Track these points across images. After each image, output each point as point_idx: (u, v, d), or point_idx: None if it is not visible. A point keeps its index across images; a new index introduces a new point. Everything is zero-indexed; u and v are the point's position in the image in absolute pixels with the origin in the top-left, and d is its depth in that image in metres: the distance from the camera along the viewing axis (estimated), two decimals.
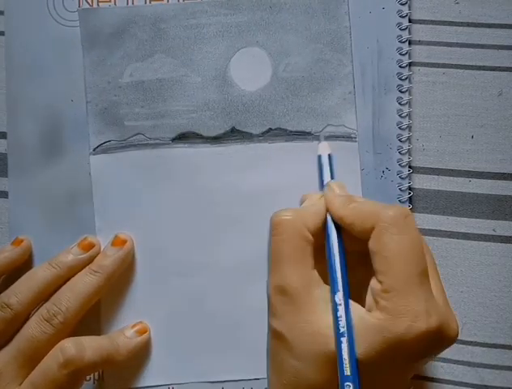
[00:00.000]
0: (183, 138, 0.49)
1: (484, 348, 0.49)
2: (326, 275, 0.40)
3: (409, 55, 0.49)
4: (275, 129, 0.49)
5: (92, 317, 0.49)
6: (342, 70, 0.49)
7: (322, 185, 0.44)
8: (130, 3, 0.49)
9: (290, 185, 0.48)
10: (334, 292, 0.38)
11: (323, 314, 0.38)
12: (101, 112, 0.49)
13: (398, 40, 0.49)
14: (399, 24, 0.49)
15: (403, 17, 0.48)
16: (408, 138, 0.49)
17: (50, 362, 0.44)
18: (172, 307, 0.49)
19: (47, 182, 0.50)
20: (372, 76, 0.49)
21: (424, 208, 0.49)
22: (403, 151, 0.49)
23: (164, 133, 0.49)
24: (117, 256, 0.48)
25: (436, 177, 0.49)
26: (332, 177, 0.44)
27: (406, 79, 0.49)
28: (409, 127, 0.49)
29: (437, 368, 0.49)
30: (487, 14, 0.49)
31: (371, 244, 0.38)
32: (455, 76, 0.49)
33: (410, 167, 0.49)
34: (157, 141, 0.49)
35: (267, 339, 0.41)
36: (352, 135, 0.49)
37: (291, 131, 0.49)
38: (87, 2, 0.49)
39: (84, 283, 0.46)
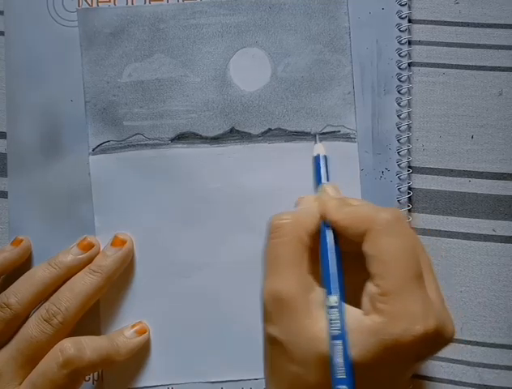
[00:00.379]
0: (182, 138, 0.49)
1: (484, 348, 0.49)
2: (321, 278, 0.40)
3: (409, 55, 0.49)
4: (275, 129, 0.49)
5: (92, 317, 0.49)
6: (341, 70, 0.49)
7: (316, 186, 0.44)
8: (129, 3, 0.49)
9: (289, 185, 0.48)
10: (328, 295, 0.38)
11: (319, 319, 0.38)
12: (100, 112, 0.49)
13: (398, 40, 0.48)
14: (399, 25, 0.48)
15: (403, 18, 0.48)
16: (408, 139, 0.49)
17: (50, 362, 0.44)
18: (171, 307, 0.49)
19: (46, 182, 0.50)
20: (371, 77, 0.49)
21: (424, 208, 0.49)
22: (403, 152, 0.49)
23: (163, 133, 0.49)
24: (116, 256, 0.48)
25: (436, 177, 0.49)
26: (327, 179, 0.44)
27: (405, 80, 0.49)
28: (409, 127, 0.49)
29: (437, 367, 0.49)
30: (487, 14, 0.49)
31: (366, 247, 0.38)
32: (455, 76, 0.49)
33: (410, 167, 0.49)
34: (156, 141, 0.49)
35: (263, 345, 0.41)
36: (352, 136, 0.49)
37: (290, 131, 0.49)
38: (87, 2, 0.49)
39: (84, 283, 0.46)
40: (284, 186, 0.49)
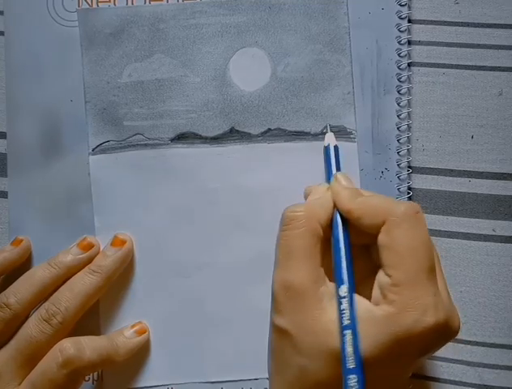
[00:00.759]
0: (182, 138, 0.49)
1: (484, 348, 0.49)
2: (332, 270, 0.40)
3: (409, 55, 0.49)
4: (274, 129, 0.49)
5: (91, 317, 0.49)
6: (341, 70, 0.49)
7: (328, 176, 0.44)
8: (129, 3, 0.49)
9: (289, 185, 0.48)
10: (338, 285, 0.38)
11: (329, 311, 0.38)
12: (100, 112, 0.49)
13: (398, 40, 0.48)
14: (399, 25, 0.48)
15: (403, 18, 0.48)
16: (407, 139, 0.49)
17: (49, 362, 0.44)
18: (171, 307, 0.49)
19: (46, 182, 0.50)
20: (371, 77, 0.49)
21: (424, 208, 0.49)
22: (402, 152, 0.49)
23: (163, 133, 0.49)
24: (116, 256, 0.48)
25: (436, 177, 0.49)
26: (338, 169, 0.44)
27: (405, 80, 0.49)
28: (409, 127, 0.49)
29: (437, 367, 0.49)
30: (487, 14, 0.49)
31: (381, 238, 0.38)
32: (455, 76, 0.49)
33: (410, 167, 0.49)
34: (156, 141, 0.49)
35: (269, 337, 0.41)
36: (351, 136, 0.49)
37: (290, 131, 0.49)
38: (87, 2, 0.49)
39: (83, 283, 0.46)
40: (284, 186, 0.49)
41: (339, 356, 0.36)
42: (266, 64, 0.49)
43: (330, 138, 0.45)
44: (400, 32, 0.48)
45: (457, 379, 0.48)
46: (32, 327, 0.45)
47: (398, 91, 0.49)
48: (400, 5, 0.48)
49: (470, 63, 0.49)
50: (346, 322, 0.37)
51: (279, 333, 0.39)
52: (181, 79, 0.49)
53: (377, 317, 0.37)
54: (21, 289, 0.46)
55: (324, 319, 0.38)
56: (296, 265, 0.39)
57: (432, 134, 0.49)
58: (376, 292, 0.38)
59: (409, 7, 0.49)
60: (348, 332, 0.36)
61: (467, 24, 0.49)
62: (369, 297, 0.39)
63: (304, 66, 0.49)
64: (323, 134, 0.49)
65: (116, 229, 0.49)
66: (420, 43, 0.49)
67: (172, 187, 0.49)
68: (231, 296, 0.49)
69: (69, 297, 0.46)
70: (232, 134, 0.49)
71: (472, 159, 0.49)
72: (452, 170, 0.49)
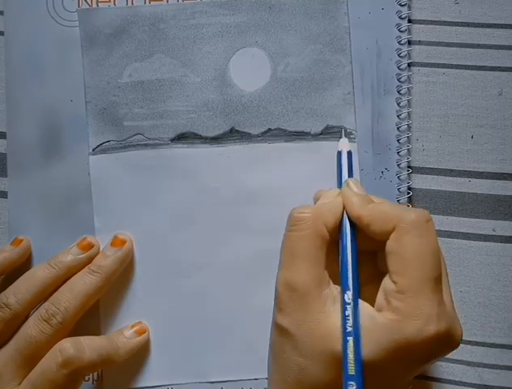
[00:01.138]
0: (182, 138, 0.49)
1: (484, 348, 0.49)
2: (337, 274, 0.40)
3: (409, 55, 0.49)
4: (275, 129, 0.49)
5: (92, 317, 0.49)
6: (341, 70, 0.49)
7: (340, 182, 0.43)
8: (129, 3, 0.49)
9: (289, 185, 0.49)
10: (344, 290, 0.38)
11: (332, 314, 0.38)
12: (101, 112, 0.49)
13: (398, 41, 0.48)
14: (399, 25, 0.48)
15: (403, 18, 0.48)
16: (407, 139, 0.49)
17: (49, 362, 0.44)
18: (171, 307, 0.49)
19: (46, 182, 0.50)
20: (371, 77, 0.49)
21: (424, 208, 0.49)
22: (402, 152, 0.49)
23: (163, 133, 0.49)
24: (116, 256, 0.48)
25: (436, 177, 0.49)
26: (351, 175, 0.43)
27: (405, 80, 0.49)
28: (409, 127, 0.49)
29: (437, 367, 0.49)
30: (487, 14, 0.49)
31: (389, 244, 0.38)
32: (455, 76, 0.49)
33: (410, 167, 0.49)
34: (156, 141, 0.49)
35: (271, 336, 0.41)
36: (351, 136, 0.49)
37: (290, 132, 0.49)
38: (87, 2, 0.49)
39: (83, 283, 0.46)
40: (284, 186, 0.49)
41: (340, 360, 0.36)
42: (266, 64, 0.49)
43: (343, 144, 0.45)
44: (400, 31, 0.48)
45: (457, 379, 0.48)
46: (32, 327, 0.45)
47: (398, 92, 0.49)
48: (400, 5, 0.48)
49: (470, 63, 0.49)
50: (349, 328, 0.37)
51: (280, 332, 0.39)
52: (181, 79, 0.49)
53: (379, 323, 0.37)
54: (21, 289, 0.46)
55: (327, 323, 0.38)
56: (301, 267, 0.39)
57: (432, 134, 0.49)
58: (380, 297, 0.38)
59: (409, 7, 0.49)
60: (351, 339, 0.36)
61: (467, 24, 0.49)
62: (370, 301, 0.38)
63: (304, 66, 0.49)
64: (323, 134, 0.49)
65: (116, 229, 0.49)
66: (420, 43, 0.49)
67: (172, 187, 0.49)
68: (231, 296, 0.49)
69: (69, 297, 0.46)
70: (232, 134, 0.49)
71: (472, 159, 0.49)
72: (452, 170, 0.49)
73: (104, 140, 0.49)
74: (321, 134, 0.49)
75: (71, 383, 0.44)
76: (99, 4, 0.49)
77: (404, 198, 0.49)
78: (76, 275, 0.47)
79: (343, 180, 0.43)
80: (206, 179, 0.49)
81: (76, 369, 0.44)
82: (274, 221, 0.48)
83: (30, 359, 0.44)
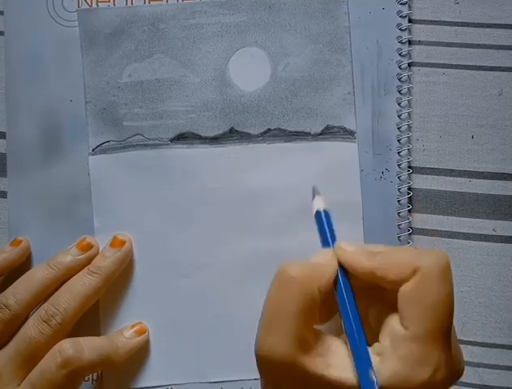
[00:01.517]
0: (182, 138, 0.49)
1: (484, 348, 0.49)
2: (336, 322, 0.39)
3: (409, 55, 0.49)
4: (274, 129, 0.49)
5: (91, 318, 0.49)
6: (341, 70, 0.49)
7: (325, 242, 0.40)
8: (129, 3, 0.49)
9: (289, 185, 0.48)
10: (357, 366, 0.36)
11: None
12: (100, 112, 0.49)
13: (398, 40, 0.48)
14: (399, 25, 0.48)
15: (403, 17, 0.48)
16: (408, 139, 0.49)
17: (49, 363, 0.44)
18: (171, 307, 0.49)
19: (46, 182, 0.50)
20: (371, 77, 0.49)
21: (424, 208, 0.49)
22: (403, 152, 0.49)
23: (162, 133, 0.49)
24: (115, 257, 0.48)
25: (436, 177, 0.49)
26: (333, 236, 0.40)
27: (405, 80, 0.48)
28: (409, 128, 0.49)
29: None
30: (487, 14, 0.49)
31: (406, 289, 0.36)
32: (455, 76, 0.49)
33: (410, 167, 0.49)
34: (156, 141, 0.49)
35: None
36: (352, 136, 0.49)
37: (290, 132, 0.49)
38: (86, 3, 0.49)
39: (83, 284, 0.46)
40: (284, 186, 0.49)
41: None
42: (266, 64, 0.49)
43: (319, 202, 0.41)
44: (401, 31, 0.48)
45: None
46: (32, 328, 0.45)
47: (399, 91, 0.49)
48: (401, 4, 0.48)
49: (470, 63, 0.49)
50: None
51: None
52: (181, 79, 0.49)
53: (387, 376, 0.35)
54: (20, 290, 0.46)
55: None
56: (282, 332, 0.36)
57: (432, 134, 0.49)
58: (386, 341, 0.37)
59: (409, 7, 0.49)
60: None
61: (467, 24, 0.49)
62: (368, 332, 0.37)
63: (304, 65, 0.49)
64: (323, 134, 0.49)
65: (115, 229, 0.49)
66: (420, 43, 0.49)
67: (171, 187, 0.49)
68: (231, 296, 0.49)
69: (68, 298, 0.46)
70: (232, 135, 0.49)
71: (472, 159, 0.49)
72: (452, 170, 0.49)
73: (104, 140, 0.49)
74: (321, 134, 0.49)
75: (71, 384, 0.44)
76: (98, 4, 0.49)
77: (405, 199, 0.48)
78: (75, 276, 0.47)
79: (328, 240, 0.40)
80: (206, 179, 0.49)
81: (75, 370, 0.44)
82: (273, 221, 0.49)
83: (29, 360, 0.44)
